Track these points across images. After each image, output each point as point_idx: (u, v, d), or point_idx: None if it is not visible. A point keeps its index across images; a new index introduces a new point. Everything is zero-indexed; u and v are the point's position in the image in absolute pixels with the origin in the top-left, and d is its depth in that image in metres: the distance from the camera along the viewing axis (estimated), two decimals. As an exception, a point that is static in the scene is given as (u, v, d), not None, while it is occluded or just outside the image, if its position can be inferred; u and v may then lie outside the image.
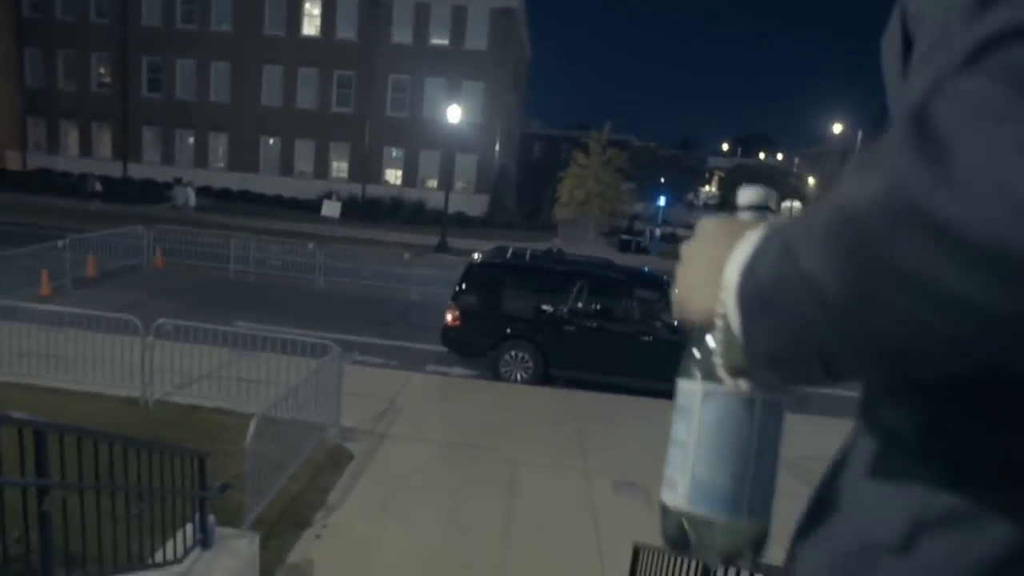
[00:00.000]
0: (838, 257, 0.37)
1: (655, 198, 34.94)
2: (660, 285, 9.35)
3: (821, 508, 0.54)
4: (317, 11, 33.27)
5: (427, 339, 10.92)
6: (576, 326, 9.07)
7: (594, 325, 9.11)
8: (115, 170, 34.56)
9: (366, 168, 33.74)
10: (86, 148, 35.94)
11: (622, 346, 9.05)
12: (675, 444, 0.59)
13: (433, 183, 33.62)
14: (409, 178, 34.16)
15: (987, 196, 0.32)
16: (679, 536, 0.58)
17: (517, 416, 7.78)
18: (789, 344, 0.42)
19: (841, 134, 47.44)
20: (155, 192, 30.11)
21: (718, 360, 0.53)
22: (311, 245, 15.18)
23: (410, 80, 33.03)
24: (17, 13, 35.03)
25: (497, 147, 34.71)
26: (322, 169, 34.43)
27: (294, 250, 15.95)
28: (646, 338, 9.02)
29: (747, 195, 0.61)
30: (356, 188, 33.43)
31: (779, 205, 0.62)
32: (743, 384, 0.53)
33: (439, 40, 32.71)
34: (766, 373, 0.46)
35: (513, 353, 9.12)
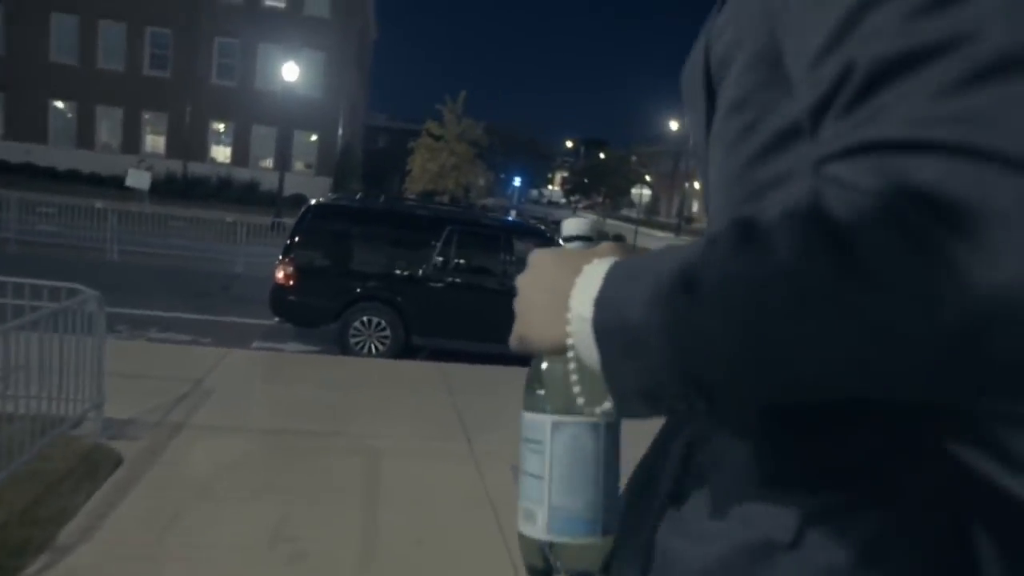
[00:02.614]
0: (745, 323, 0.38)
1: (510, 183, 34.09)
2: (542, 237, 7.94)
3: (684, 504, 0.54)
4: (123, -44, 28.51)
5: (253, 313, 8.69)
6: (444, 284, 7.38)
7: (466, 283, 7.48)
8: None
9: (187, 143, 29.51)
10: None
11: (500, 308, 7.46)
12: (528, 476, 0.59)
13: (268, 163, 30.20)
14: (240, 156, 30.41)
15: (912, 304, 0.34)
16: (543, 564, 0.58)
17: (374, 394, 5.94)
18: (667, 382, 0.42)
19: (677, 132, 49.97)
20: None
21: (576, 392, 0.53)
22: (98, 204, 12.08)
23: (239, 44, 29.37)
24: None
25: (340, 127, 31.95)
26: (132, 142, 29.64)
27: (79, 219, 12.70)
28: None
29: (572, 226, 0.61)
30: (176, 165, 29.14)
31: (601, 236, 0.64)
32: (604, 411, 0.51)
33: (274, 2, 29.38)
34: (636, 406, 0.46)
35: (365, 319, 7.22)
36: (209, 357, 6.38)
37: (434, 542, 3.56)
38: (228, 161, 30.09)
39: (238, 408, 5.20)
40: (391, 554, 3.40)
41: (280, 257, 7.12)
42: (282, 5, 29.34)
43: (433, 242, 7.35)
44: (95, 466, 3.90)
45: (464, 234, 7.50)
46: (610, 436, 0.57)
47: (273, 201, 22.69)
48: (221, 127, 30.32)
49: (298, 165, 30.37)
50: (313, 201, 7.38)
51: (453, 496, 4.15)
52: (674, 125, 48.72)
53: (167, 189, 25.36)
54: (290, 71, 20.90)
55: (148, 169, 20.15)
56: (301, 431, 4.89)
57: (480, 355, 7.45)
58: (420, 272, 7.30)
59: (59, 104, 28.97)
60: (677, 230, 46.45)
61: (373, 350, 7.24)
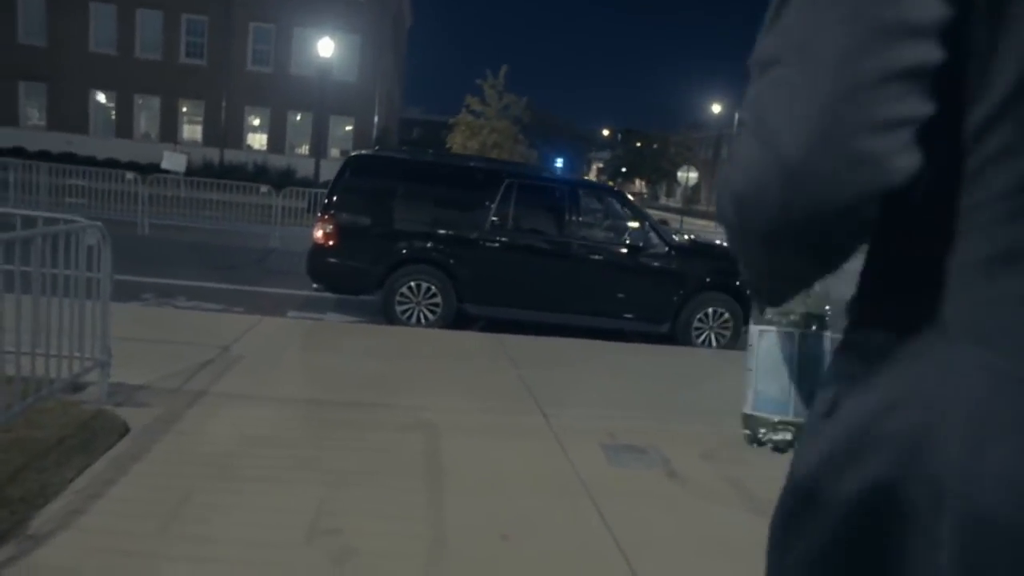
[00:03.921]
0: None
1: (551, 164, 33.09)
2: (611, 193, 6.99)
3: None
4: (159, -57, 28.30)
5: (290, 284, 7.97)
6: (502, 246, 6.50)
7: (527, 245, 6.59)
8: None
9: (224, 130, 29.24)
10: None
11: (565, 274, 6.59)
12: (746, 370, 1.80)
13: (304, 149, 29.75)
14: (276, 143, 30.03)
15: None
16: (752, 434, 1.87)
17: (427, 364, 5.09)
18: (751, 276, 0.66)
19: (718, 116, 48.20)
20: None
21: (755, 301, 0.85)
22: (129, 176, 11.55)
23: (275, 30, 28.94)
24: None
25: (376, 114, 31.35)
26: (170, 131, 29.48)
27: (110, 197, 12.20)
28: (597, 263, 6.62)
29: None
30: (212, 153, 28.87)
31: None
32: (789, 322, 1.65)
33: (309, -15, 28.83)
34: (760, 301, 0.69)
35: (413, 285, 6.39)
36: (239, 324, 5.62)
37: (523, 537, 2.68)
38: (264, 148, 29.73)
39: (270, 376, 4.40)
40: (467, 553, 2.53)
41: (319, 214, 6.34)
42: (317, -12, 28.79)
43: (489, 199, 6.48)
44: (93, 436, 3.11)
45: (524, 190, 6.61)
46: (804, 342, 1.42)
47: (309, 187, 22.18)
48: (256, 114, 29.98)
49: (334, 152, 29.84)
50: (354, 153, 6.56)
51: (538, 480, 3.26)
52: (716, 109, 47.02)
53: (203, 175, 25.07)
54: (325, 48, 20.25)
55: (183, 152, 19.72)
56: (344, 402, 4.06)
57: (542, 326, 6.56)
58: (475, 232, 6.44)
59: (99, 94, 28.96)
60: (720, 218, 44.82)
61: (422, 319, 6.41)
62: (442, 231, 6.42)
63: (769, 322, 0.86)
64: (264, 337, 5.32)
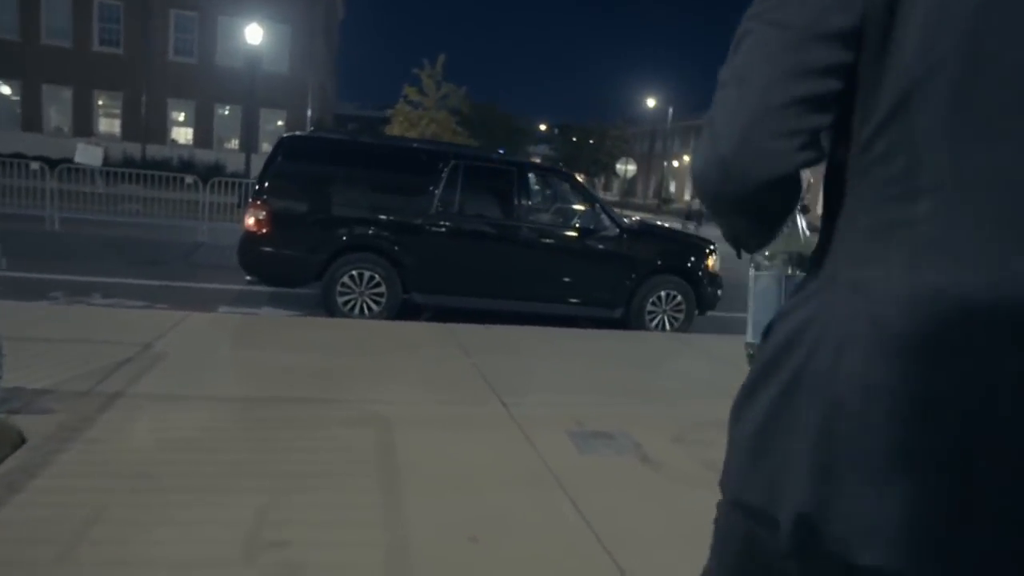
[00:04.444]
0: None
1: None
2: (561, 175, 6.77)
3: None
4: (65, -79, 26.42)
5: (220, 279, 7.41)
6: (448, 231, 6.18)
7: (475, 230, 6.29)
8: None
9: (145, 124, 27.64)
10: None
11: (515, 259, 6.33)
12: (749, 306, 1.17)
13: (234, 144, 28.45)
14: (203, 137, 28.61)
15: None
16: (751, 356, 1.03)
17: (375, 357, 4.73)
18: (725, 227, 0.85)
19: (653, 111, 48.96)
20: None
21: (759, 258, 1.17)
22: (35, 166, 10.65)
23: (198, 18, 27.52)
24: None
25: (310, 107, 30.28)
26: (84, 124, 27.63)
27: (13, 182, 11.20)
28: (548, 248, 6.40)
29: None
30: (133, 148, 27.25)
31: None
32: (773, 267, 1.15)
33: (232, -29, 27.53)
34: (738, 247, 0.87)
35: (355, 274, 5.99)
36: (163, 320, 5.10)
37: (494, 538, 2.40)
38: (190, 142, 28.27)
39: (199, 374, 3.95)
40: (433, 560, 2.23)
41: (250, 199, 5.86)
42: (241, -25, 27.52)
43: (434, 182, 6.13)
44: (-20, 450, 2.64)
45: (471, 172, 6.30)
46: (787, 283, 1.06)
47: (241, 179, 21.15)
48: (181, 106, 28.45)
49: (265, 146, 28.66)
50: (287, 134, 6.09)
51: (504, 474, 2.99)
52: (651, 103, 47.75)
53: (124, 172, 23.61)
54: (254, 35, 19.30)
55: (97, 144, 18.42)
56: (285, 398, 3.67)
57: (492, 315, 6.28)
58: (420, 218, 6.08)
59: (0, 84, 26.85)
60: (657, 209, 45.63)
61: (366, 310, 6.02)
62: (385, 217, 6.04)
63: (759, 267, 1.25)
64: (191, 333, 4.83)
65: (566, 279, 6.45)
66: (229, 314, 5.98)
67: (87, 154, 17.81)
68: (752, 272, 1.11)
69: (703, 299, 6.83)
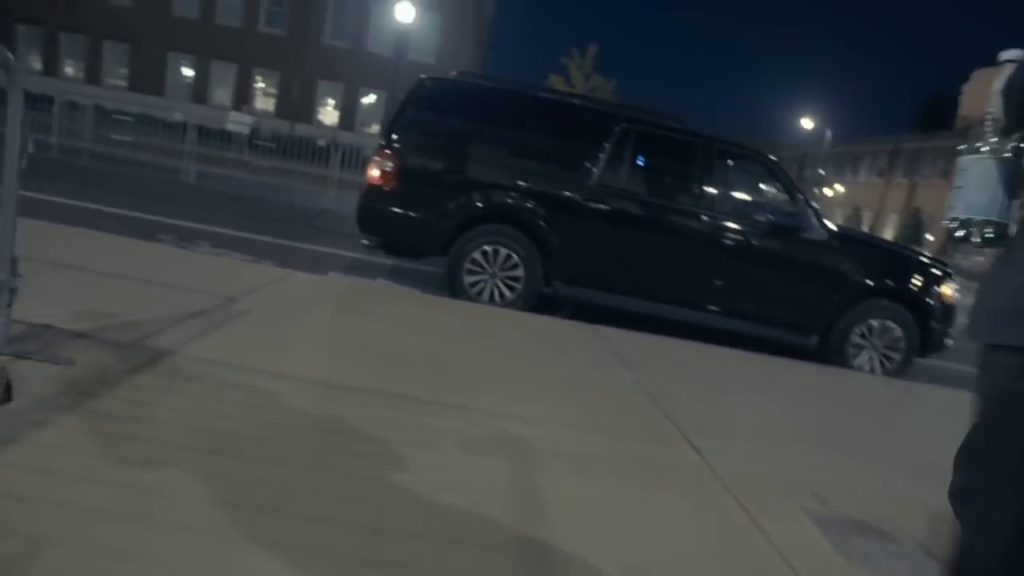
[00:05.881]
0: None
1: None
2: (765, 163, 5.34)
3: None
4: (250, -91, 28.00)
5: (337, 244, 6.62)
6: (611, 210, 4.94)
7: (644, 213, 5.02)
8: (-18, 76, 28.21)
9: (297, 104, 28.69)
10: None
11: (692, 255, 4.99)
12: (955, 189, 1.26)
13: (374, 129, 28.89)
14: (347, 119, 29.30)
15: None
16: (958, 230, 1.24)
17: (505, 351, 3.58)
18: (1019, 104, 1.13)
19: (807, 134, 45.19)
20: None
21: (988, 136, 1.22)
22: (177, 116, 10.56)
23: (355, 4, 28.21)
24: None
25: (451, 98, 30.22)
26: (243, 100, 29.11)
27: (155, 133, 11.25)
28: (734, 246, 5.00)
29: (1006, 54, 1.17)
30: (283, 125, 28.31)
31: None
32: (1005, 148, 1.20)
33: (393, -39, 27.99)
34: (1015, 125, 1.13)
35: (489, 250, 4.89)
36: (259, 275, 4.24)
37: None
38: (335, 124, 29.04)
39: (274, 343, 2.96)
40: None
41: (377, 148, 4.94)
42: (402, -36, 27.90)
43: (598, 148, 4.93)
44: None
45: (644, 141, 5.04)
46: (1007, 169, 1.18)
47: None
48: (330, 89, 29.30)
49: (404, 134, 28.92)
50: (425, 76, 5.13)
51: (721, 571, 1.69)
52: (806, 124, 44.08)
53: (271, 147, 24.47)
54: (404, 12, 19.13)
55: (250, 113, 18.95)
56: (380, 391, 2.57)
57: (642, 319, 4.98)
58: (575, 190, 4.90)
59: (178, 58, 28.85)
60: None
61: (497, 296, 4.91)
62: (531, 184, 4.91)
63: (975, 151, 1.18)
64: (285, 294, 3.91)
65: (752, 288, 5.02)
66: (336, 279, 5.08)
67: (239, 121, 18.35)
68: (970, 157, 1.19)
69: (930, 337, 5.15)
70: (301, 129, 28.44)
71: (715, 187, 5.05)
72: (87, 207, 6.39)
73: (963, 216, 1.19)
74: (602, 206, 4.92)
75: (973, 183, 1.17)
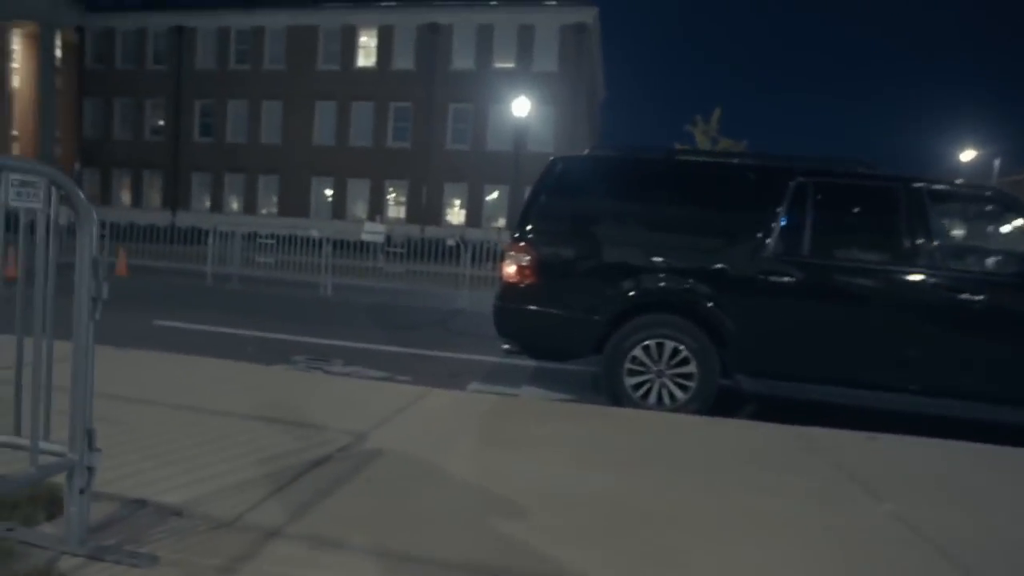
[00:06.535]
0: None
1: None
2: (995, 201, 4.22)
3: None
4: (373, 42, 30.75)
5: (475, 348, 6.11)
6: (797, 282, 4.01)
7: (842, 280, 4.03)
8: (163, 220, 32.25)
9: (425, 208, 30.06)
10: (137, 198, 34.10)
11: (906, 325, 3.89)
12: None
13: (501, 222, 29.47)
14: (473, 217, 30.15)
15: None
16: None
17: (698, 479, 2.71)
18: None
19: (974, 161, 40.65)
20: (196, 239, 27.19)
21: None
22: (314, 232, 10.93)
23: (472, 109, 29.60)
24: (80, 65, 34.35)
25: (571, 183, 30.37)
26: (377, 210, 30.96)
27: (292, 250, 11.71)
28: (962, 309, 3.84)
29: None
30: (414, 230, 29.64)
31: None
32: None
33: (503, 63, 29.31)
34: None
35: (652, 345, 4.09)
36: (394, 398, 3.71)
37: None
38: (462, 222, 29.97)
39: (411, 504, 2.32)
40: None
41: (512, 237, 4.42)
42: (511, 64, 29.12)
43: (767, 211, 4.10)
44: None
45: (828, 195, 4.13)
46: None
47: (501, 258, 21.37)
48: (455, 190, 30.51)
49: (528, 224, 29.19)
50: (557, 155, 4.60)
51: None
52: (967, 156, 39.78)
53: (405, 251, 25.49)
54: (520, 107, 19.56)
55: (382, 222, 19.77)
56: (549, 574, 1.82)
57: (838, 410, 3.89)
58: (747, 263, 4.05)
59: (319, 181, 31.47)
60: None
61: (667, 398, 4.07)
62: (692, 263, 4.12)
63: None
64: (423, 420, 3.33)
65: (994, 362, 3.81)
66: (477, 393, 4.47)
67: (372, 231, 19.14)
68: None
69: None
70: (431, 231, 29.61)
71: (929, 239, 3.98)
72: (228, 332, 6.39)
73: None
74: (784, 278, 4.01)
75: None
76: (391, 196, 31.11)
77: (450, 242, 11.60)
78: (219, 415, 3.09)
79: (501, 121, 28.31)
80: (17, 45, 34.21)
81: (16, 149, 34.40)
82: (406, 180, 30.43)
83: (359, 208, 31.38)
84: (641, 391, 4.11)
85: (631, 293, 4.16)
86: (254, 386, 3.76)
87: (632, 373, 4.11)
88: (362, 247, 18.88)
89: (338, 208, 31.35)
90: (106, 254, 11.27)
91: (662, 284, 4.14)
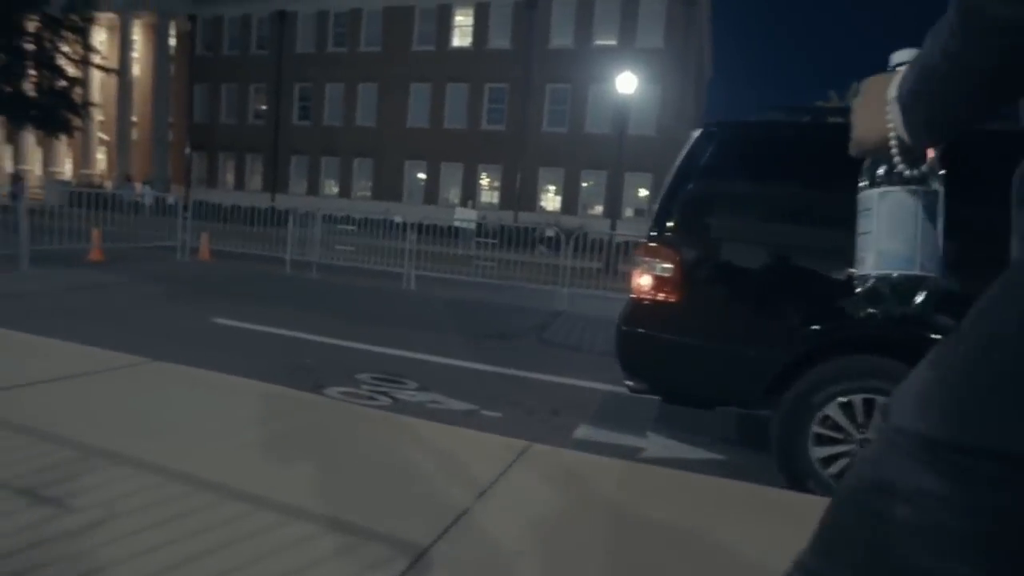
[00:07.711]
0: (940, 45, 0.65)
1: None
2: None
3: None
4: (469, 20, 29.88)
5: (577, 369, 4.93)
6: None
7: None
8: (263, 202, 33.06)
9: (519, 193, 29.04)
10: (240, 181, 35.12)
11: None
12: (862, 235, 0.80)
13: (598, 209, 28.05)
14: (569, 204, 28.86)
15: None
16: (869, 296, 0.79)
17: None
18: (930, 107, 0.70)
19: None
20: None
21: (897, 162, 0.75)
22: (397, 218, 10.10)
23: (570, 90, 28.20)
24: (191, 53, 35.64)
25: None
26: (470, 195, 30.28)
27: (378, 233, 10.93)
28: None
29: (900, 56, 0.80)
30: (507, 216, 28.71)
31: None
32: (916, 173, 0.75)
33: (604, 40, 27.66)
34: (926, 138, 0.73)
35: (855, 401, 2.76)
36: (476, 457, 2.60)
37: None
38: (557, 209, 28.75)
39: None
40: None
41: (645, 241, 3.21)
42: (613, 42, 27.42)
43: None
44: None
45: None
46: (926, 202, 0.75)
47: (602, 249, 19.99)
48: (550, 175, 29.30)
49: (628, 211, 27.57)
50: (713, 123, 3.32)
51: None
52: None
53: (497, 238, 24.63)
54: (626, 83, 18.00)
55: (473, 207, 18.91)
56: None
57: None
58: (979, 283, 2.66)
59: (413, 165, 31.13)
60: None
61: (879, 485, 2.78)
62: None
63: (880, 181, 0.73)
64: (515, 506, 2.19)
65: None
66: (588, 456, 3.28)
67: (464, 216, 18.31)
68: (874, 191, 0.80)
69: None
70: (524, 217, 28.57)
71: None
72: (289, 336, 5.54)
73: (871, 272, 0.80)
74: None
75: (884, 225, 0.80)
76: (484, 181, 30.30)
77: (549, 232, 10.45)
78: (230, 497, 2.08)
79: (600, 102, 26.79)
80: (137, 35, 35.98)
81: (135, 134, 36.33)
82: (500, 164, 29.51)
83: (452, 193, 30.81)
84: (834, 467, 2.80)
85: (828, 322, 2.84)
86: (290, 433, 2.76)
87: (822, 441, 2.80)
88: (453, 232, 18.13)
89: (430, 192, 30.91)
90: (188, 237, 10.94)
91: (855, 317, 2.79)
